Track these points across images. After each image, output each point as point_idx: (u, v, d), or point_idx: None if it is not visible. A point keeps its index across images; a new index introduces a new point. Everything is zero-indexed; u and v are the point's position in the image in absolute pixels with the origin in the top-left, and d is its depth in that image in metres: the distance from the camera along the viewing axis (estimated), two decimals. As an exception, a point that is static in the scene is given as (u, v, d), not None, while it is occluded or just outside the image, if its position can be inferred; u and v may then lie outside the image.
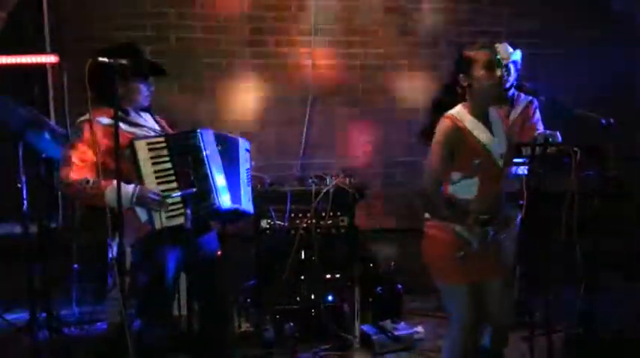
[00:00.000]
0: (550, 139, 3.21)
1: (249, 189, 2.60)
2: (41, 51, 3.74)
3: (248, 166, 2.63)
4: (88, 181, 2.19)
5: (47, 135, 2.93)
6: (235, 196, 2.48)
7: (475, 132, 2.22)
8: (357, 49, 4.24)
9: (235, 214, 2.53)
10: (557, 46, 4.38)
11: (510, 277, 2.36)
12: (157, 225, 2.24)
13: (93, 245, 3.52)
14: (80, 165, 2.22)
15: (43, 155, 3.05)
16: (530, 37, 4.27)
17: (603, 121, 2.95)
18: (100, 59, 1.99)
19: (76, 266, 3.06)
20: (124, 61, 2.05)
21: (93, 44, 3.77)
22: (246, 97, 4.12)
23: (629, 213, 3.79)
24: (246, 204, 2.55)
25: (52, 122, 3.35)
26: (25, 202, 2.95)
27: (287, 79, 4.16)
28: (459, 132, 2.20)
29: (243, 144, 2.61)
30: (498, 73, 2.22)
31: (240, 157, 2.57)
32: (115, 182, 2.13)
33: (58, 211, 3.88)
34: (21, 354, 3.05)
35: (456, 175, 2.25)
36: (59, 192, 3.83)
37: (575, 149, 2.91)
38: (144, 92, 2.42)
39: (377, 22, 4.25)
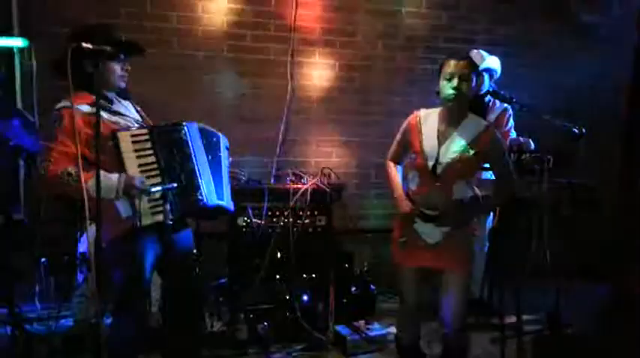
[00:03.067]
0: (524, 147, 3.33)
1: (229, 186, 2.57)
2: (9, 33, 3.57)
3: (227, 163, 2.59)
4: (70, 173, 2.10)
5: (16, 122, 2.79)
6: (220, 193, 2.44)
7: (423, 133, 2.42)
8: (335, 49, 4.24)
9: (217, 211, 2.48)
10: (532, 53, 4.51)
11: (462, 276, 2.46)
12: (142, 221, 2.16)
13: (58, 238, 3.39)
14: (60, 157, 2.12)
15: (11, 143, 2.91)
16: (506, 45, 4.38)
17: (575, 130, 3.05)
18: (85, 45, 1.90)
19: (43, 260, 2.93)
20: (108, 48, 1.97)
21: (64, 28, 3.64)
22: (222, 92, 4.05)
23: (595, 219, 3.95)
24: (229, 202, 2.51)
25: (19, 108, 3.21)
26: (-9, 192, 2.80)
27: (265, 74, 4.11)
28: (410, 126, 2.48)
29: (223, 141, 2.58)
30: (454, 83, 2.31)
31: (222, 154, 2.54)
32: (101, 172, 2.04)
33: (19, 202, 3.72)
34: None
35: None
36: (21, 182, 3.68)
37: (549, 156, 3.02)
38: (117, 72, 2.31)
39: (356, 22, 4.26)
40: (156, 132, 2.28)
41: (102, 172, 2.02)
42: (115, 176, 2.14)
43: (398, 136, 2.57)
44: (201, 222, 3.19)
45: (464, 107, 2.40)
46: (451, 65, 2.32)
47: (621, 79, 4.76)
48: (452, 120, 2.40)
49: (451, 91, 2.32)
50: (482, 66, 3.50)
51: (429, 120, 2.44)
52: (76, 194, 2.11)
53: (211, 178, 2.39)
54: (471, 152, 2.35)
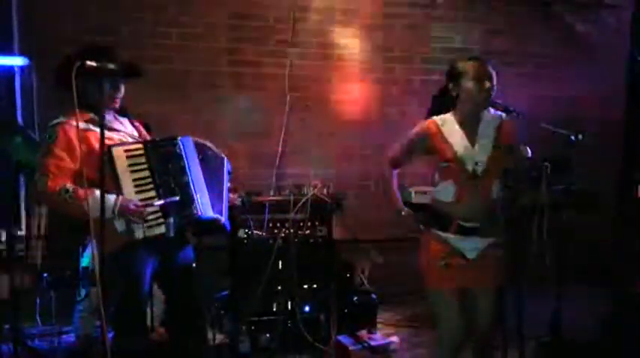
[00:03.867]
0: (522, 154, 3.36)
1: (227, 205, 2.54)
2: (9, 52, 3.62)
3: (228, 186, 2.58)
4: (67, 190, 2.10)
5: (18, 139, 2.82)
6: (216, 206, 2.45)
7: (450, 138, 2.28)
8: (333, 62, 4.29)
9: (213, 224, 2.47)
10: (528, 63, 4.57)
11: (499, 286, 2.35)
12: (138, 235, 2.18)
13: (59, 254, 3.40)
14: (57, 173, 2.13)
15: (13, 159, 2.93)
16: (501, 55, 4.44)
17: (572, 137, 3.08)
18: (89, 63, 1.93)
19: (45, 275, 2.94)
20: (112, 66, 2.00)
21: (65, 47, 3.68)
22: (222, 106, 4.09)
23: (594, 224, 3.97)
24: (225, 217, 2.50)
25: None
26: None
27: (264, 88, 4.15)
28: (431, 136, 2.29)
29: (226, 164, 2.58)
30: (487, 84, 2.29)
31: (221, 172, 2.54)
32: (96, 191, 2.06)
33: (20, 217, 3.74)
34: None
35: (436, 178, 2.36)
36: (21, 197, 3.70)
37: (546, 163, 3.05)
38: (108, 92, 2.27)
39: (353, 35, 4.31)
40: (150, 146, 2.28)
41: (98, 192, 2.02)
42: (112, 197, 2.14)
43: (407, 142, 2.38)
44: (202, 238, 3.21)
45: (481, 110, 2.35)
46: (479, 66, 2.28)
47: (615, 87, 4.81)
48: (472, 121, 2.33)
49: (484, 94, 2.28)
50: None
51: (448, 125, 2.31)
52: (72, 211, 2.12)
53: (206, 192, 2.38)
54: (501, 147, 2.33)
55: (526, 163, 2.46)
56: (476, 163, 2.27)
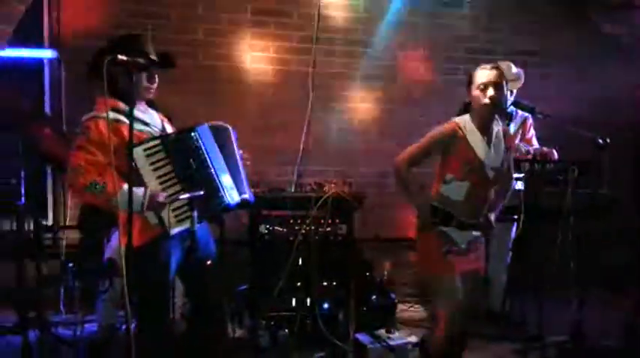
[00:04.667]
0: (548, 156, 3.32)
1: (246, 176, 2.54)
2: (39, 45, 3.69)
3: (240, 153, 2.55)
4: (96, 185, 2.13)
5: (47, 130, 2.87)
6: (240, 187, 2.45)
7: (472, 142, 2.40)
8: (356, 60, 4.28)
9: (240, 205, 2.47)
10: (553, 64, 4.50)
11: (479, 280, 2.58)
12: (168, 230, 2.20)
13: (85, 244, 3.46)
14: (88, 168, 2.16)
15: (42, 150, 2.99)
16: (527, 55, 4.38)
17: (600, 140, 3.03)
18: (120, 57, 1.95)
19: (70, 265, 3.00)
20: (141, 60, 2.02)
21: (92, 40, 3.74)
22: (244, 102, 4.11)
23: (619, 230, 3.90)
24: (248, 192, 2.52)
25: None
26: (22, 198, 2.87)
27: (287, 84, 4.17)
28: (455, 138, 2.39)
29: (232, 134, 2.54)
30: (490, 92, 2.34)
31: (234, 147, 2.51)
32: (124, 186, 2.09)
33: (47, 207, 3.82)
34: (11, 355, 2.96)
35: (448, 176, 2.43)
36: (49, 188, 3.77)
37: (573, 166, 3.00)
38: (144, 84, 2.32)
39: (378, 34, 4.29)
40: (168, 141, 2.26)
41: (126, 186, 2.04)
42: (140, 190, 2.16)
43: (429, 141, 2.45)
44: (224, 229, 3.24)
45: (489, 116, 2.43)
46: (485, 75, 2.36)
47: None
48: (486, 126, 2.44)
49: (487, 101, 2.35)
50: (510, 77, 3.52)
51: (469, 129, 2.41)
52: (102, 204, 2.17)
53: (229, 176, 2.39)
54: (508, 153, 2.51)
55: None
56: (491, 168, 2.43)
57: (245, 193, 2.47)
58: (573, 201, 2.92)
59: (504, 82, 2.39)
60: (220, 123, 2.50)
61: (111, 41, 2.25)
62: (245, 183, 2.51)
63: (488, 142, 2.43)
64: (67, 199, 3.70)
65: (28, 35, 3.71)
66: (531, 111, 3.20)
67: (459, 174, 2.40)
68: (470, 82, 2.41)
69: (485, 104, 2.35)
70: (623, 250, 4.27)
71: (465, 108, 2.48)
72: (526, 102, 3.24)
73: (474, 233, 2.48)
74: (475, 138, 2.40)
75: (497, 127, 2.48)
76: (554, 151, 3.37)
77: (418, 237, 2.55)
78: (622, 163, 4.07)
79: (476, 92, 2.37)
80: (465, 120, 2.43)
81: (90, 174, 2.15)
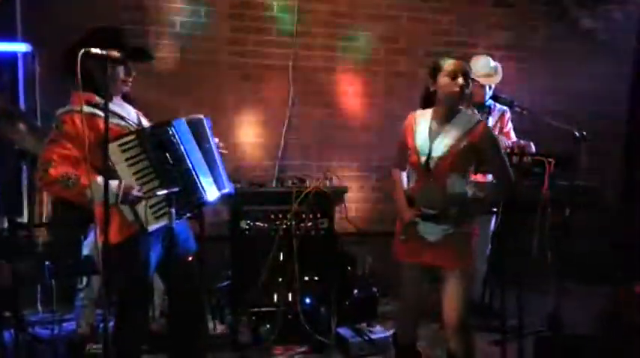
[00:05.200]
0: (525, 149, 3.35)
1: (224, 167, 2.52)
2: (12, 39, 3.60)
3: (216, 142, 2.52)
4: (69, 177, 2.09)
5: (22, 126, 2.81)
6: (219, 182, 2.44)
7: (416, 130, 2.47)
8: (337, 53, 4.27)
9: (221, 199, 2.48)
10: (531, 58, 4.54)
11: (461, 275, 2.47)
12: (146, 226, 2.17)
13: (61, 242, 3.40)
14: (60, 161, 2.12)
15: (16, 146, 2.92)
16: (504, 49, 4.42)
17: (576, 133, 3.07)
18: (93, 50, 1.91)
19: (47, 263, 2.94)
20: (116, 53, 1.98)
21: (68, 33, 3.65)
22: (224, 97, 4.07)
23: (596, 222, 3.96)
24: (228, 185, 2.50)
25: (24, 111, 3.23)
26: (-2, 196, 2.81)
27: (266, 79, 4.14)
28: (405, 126, 2.53)
29: (206, 123, 2.50)
30: (460, 81, 2.36)
31: (210, 138, 2.48)
32: (98, 178, 2.06)
33: (22, 205, 3.73)
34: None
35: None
36: (24, 185, 3.69)
37: (550, 159, 3.04)
38: (121, 77, 2.29)
39: (358, 28, 4.29)
40: (144, 135, 2.22)
41: (100, 177, 2.03)
42: (114, 183, 2.12)
43: (399, 140, 2.60)
44: (204, 225, 3.22)
45: (456, 105, 2.43)
46: (454, 63, 2.37)
47: (621, 82, 4.79)
48: (445, 116, 2.44)
49: (457, 89, 2.36)
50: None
51: (422, 118, 2.49)
52: (75, 198, 2.12)
53: (208, 171, 2.37)
54: (462, 144, 2.38)
55: (509, 174, 2.53)
56: (429, 156, 2.40)
57: (224, 187, 2.46)
58: (551, 193, 2.96)
59: (470, 72, 2.42)
60: (195, 115, 2.46)
61: (86, 33, 2.21)
62: (224, 176, 2.49)
63: (437, 131, 2.42)
64: (43, 196, 3.63)
65: (0, 28, 3.62)
66: (509, 104, 3.24)
67: (404, 161, 2.58)
68: (437, 69, 2.41)
69: (454, 92, 2.36)
70: (602, 241, 4.36)
71: (428, 98, 2.51)
72: (504, 96, 3.28)
73: (441, 227, 2.43)
74: (421, 127, 2.47)
75: (466, 120, 2.43)
76: (532, 144, 3.41)
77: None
78: (601, 155, 4.14)
79: (445, 79, 2.37)
80: (423, 112, 2.51)
81: (62, 167, 2.11)
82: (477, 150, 2.41)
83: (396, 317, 2.78)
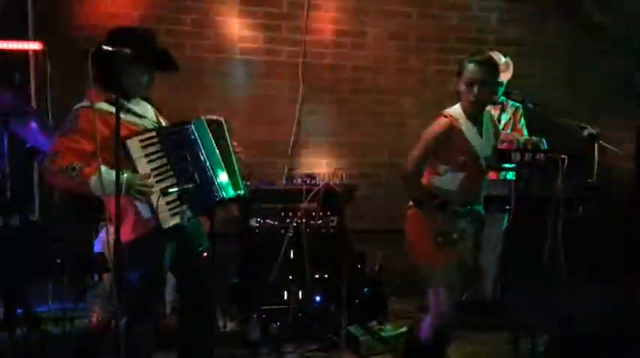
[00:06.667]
0: (538, 146, 3.32)
1: (241, 169, 2.51)
2: (24, 37, 3.62)
3: (234, 143, 2.52)
4: (74, 168, 2.08)
5: (33, 125, 2.82)
6: (235, 182, 2.43)
7: (467, 133, 2.42)
8: (347, 50, 4.25)
9: (234, 200, 2.48)
10: (544, 54, 4.50)
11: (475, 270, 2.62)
12: (162, 224, 2.17)
13: (73, 238, 3.42)
14: (67, 153, 2.12)
15: (28, 145, 2.94)
16: (517, 45, 4.37)
17: (589, 130, 3.03)
18: (104, 47, 1.91)
19: (59, 260, 2.96)
20: (127, 50, 1.98)
21: (78, 32, 3.68)
22: (234, 94, 4.07)
23: (609, 220, 3.91)
24: (244, 188, 2.49)
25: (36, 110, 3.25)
26: (9, 193, 2.83)
27: (277, 76, 4.13)
28: (452, 131, 2.40)
29: (225, 125, 2.49)
30: (475, 90, 2.36)
31: (228, 138, 2.47)
32: (102, 167, 2.05)
33: (34, 202, 3.76)
34: (-2, 351, 2.93)
35: (442, 168, 2.45)
36: (35, 182, 3.71)
37: (563, 156, 3.01)
38: (137, 79, 2.28)
39: (368, 24, 4.27)
40: (164, 133, 2.26)
41: (104, 167, 2.03)
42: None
43: (429, 144, 2.45)
44: (214, 222, 3.21)
45: (481, 110, 2.49)
46: (472, 70, 2.36)
47: (634, 78, 4.72)
48: (477, 117, 2.47)
49: (472, 99, 2.38)
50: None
51: (460, 117, 2.44)
52: (78, 189, 2.13)
53: (225, 170, 2.37)
54: (497, 142, 2.57)
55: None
56: (485, 158, 2.46)
57: (240, 189, 2.44)
58: (563, 190, 2.93)
59: (494, 76, 2.42)
60: (215, 116, 2.47)
61: (111, 33, 2.20)
62: (240, 178, 2.48)
63: (480, 132, 2.47)
64: (54, 194, 3.65)
65: (12, 26, 3.64)
66: (522, 101, 3.21)
67: (454, 166, 2.43)
68: (459, 72, 2.41)
69: (471, 101, 2.38)
70: (614, 239, 4.31)
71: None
72: (517, 92, 3.24)
73: (463, 224, 2.47)
74: (469, 129, 2.43)
75: (488, 115, 2.52)
76: (544, 141, 3.37)
77: (413, 226, 2.55)
78: (614, 152, 4.09)
79: (462, 87, 2.38)
80: (456, 112, 2.45)
81: (68, 158, 2.11)
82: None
83: (435, 320, 2.55)
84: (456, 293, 2.56)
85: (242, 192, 2.45)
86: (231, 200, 2.44)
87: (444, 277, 2.48)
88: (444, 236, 2.42)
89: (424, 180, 2.53)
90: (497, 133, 2.62)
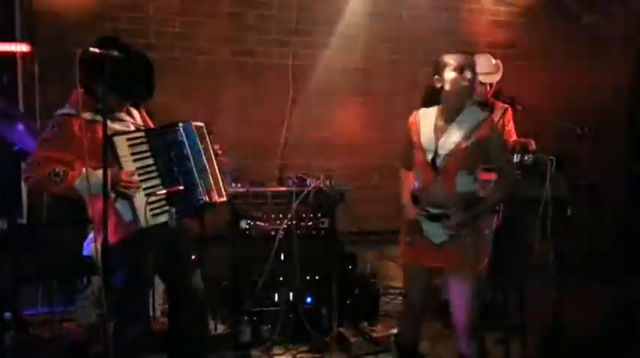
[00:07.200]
0: (526, 147, 3.34)
1: (223, 173, 2.54)
2: (11, 39, 3.58)
3: (216, 146, 2.53)
4: (57, 174, 2.11)
5: (20, 127, 2.80)
6: (218, 188, 2.44)
7: (421, 129, 2.42)
8: (336, 52, 4.25)
9: (214, 205, 2.46)
10: (532, 56, 4.53)
11: (468, 278, 2.40)
12: (142, 224, 2.17)
13: (62, 242, 3.39)
14: (49, 161, 2.14)
15: (15, 147, 2.92)
16: (505, 47, 4.40)
17: (578, 131, 3.06)
18: (92, 49, 1.91)
19: (48, 264, 2.94)
20: (115, 53, 1.97)
21: (66, 34, 3.65)
22: (224, 96, 4.06)
23: (598, 219, 3.95)
24: (225, 192, 2.50)
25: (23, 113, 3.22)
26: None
27: (266, 78, 4.12)
28: (409, 125, 2.48)
29: (208, 129, 2.51)
30: (468, 74, 2.32)
31: (210, 143, 2.48)
32: (83, 170, 2.06)
33: (22, 206, 3.73)
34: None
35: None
36: (23, 186, 3.68)
37: (551, 157, 3.03)
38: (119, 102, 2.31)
39: (357, 26, 4.27)
40: (152, 134, 2.28)
41: (89, 169, 2.02)
42: (99, 172, 2.10)
43: (404, 138, 2.54)
44: (204, 225, 3.20)
45: (464, 100, 2.38)
46: (460, 57, 2.33)
47: (622, 78, 4.77)
48: (451, 113, 2.38)
49: (465, 83, 2.31)
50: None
51: (426, 116, 2.44)
52: (63, 193, 2.15)
53: (210, 175, 2.39)
54: (470, 140, 2.32)
55: (513, 173, 2.54)
56: (436, 154, 2.34)
57: (223, 196, 2.45)
58: (552, 190, 2.95)
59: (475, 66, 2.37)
60: (199, 122, 2.47)
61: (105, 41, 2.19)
62: (223, 183, 2.49)
63: (443, 129, 2.36)
64: (42, 197, 3.62)
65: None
66: (511, 102, 3.23)
67: (410, 161, 2.48)
68: (442, 66, 2.35)
69: (463, 86, 2.31)
70: (604, 238, 4.34)
71: (430, 97, 2.45)
72: (505, 94, 3.26)
73: (427, 226, 2.39)
74: (426, 124, 2.41)
75: (473, 116, 2.37)
76: (533, 142, 3.39)
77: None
78: (604, 152, 4.12)
79: (452, 74, 2.31)
80: (426, 110, 2.46)
81: (50, 166, 2.12)
82: (485, 146, 2.34)
83: (400, 319, 2.72)
84: (414, 300, 2.54)
85: (225, 198, 2.45)
86: (213, 205, 2.43)
87: (407, 281, 2.56)
88: (410, 235, 2.44)
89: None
90: (475, 137, 2.33)
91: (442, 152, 2.34)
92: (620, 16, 4.79)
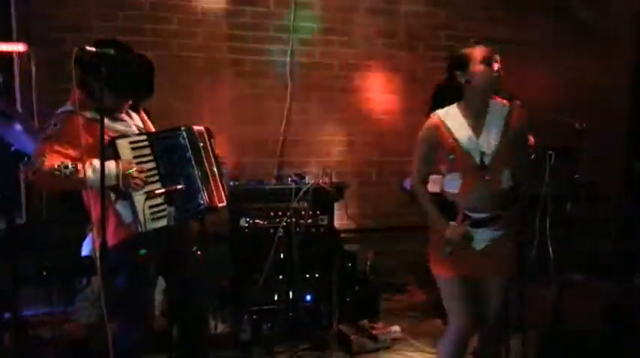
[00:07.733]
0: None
1: (224, 181, 2.55)
2: (8, 39, 3.57)
3: (217, 153, 2.55)
4: (67, 166, 2.07)
5: (18, 127, 2.78)
6: (219, 193, 2.44)
7: (454, 130, 2.22)
8: (334, 48, 4.24)
9: (215, 210, 2.47)
10: (529, 51, 4.52)
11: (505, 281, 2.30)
12: (142, 227, 2.17)
13: (61, 242, 3.38)
14: (55, 155, 2.12)
15: (13, 148, 2.90)
16: (503, 43, 4.38)
17: (577, 125, 3.06)
18: (87, 48, 1.90)
19: (47, 264, 2.93)
20: (111, 51, 1.96)
21: (63, 33, 3.64)
22: (222, 93, 4.05)
23: (597, 215, 3.95)
24: (225, 197, 2.51)
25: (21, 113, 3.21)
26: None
27: (265, 75, 4.11)
28: (435, 129, 2.25)
29: (206, 135, 2.51)
30: (495, 66, 2.22)
31: (210, 149, 2.49)
32: (94, 161, 2.06)
33: (21, 206, 3.72)
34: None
35: (443, 169, 2.29)
36: (22, 186, 3.67)
37: (550, 152, 3.02)
38: (117, 103, 2.31)
39: (356, 22, 4.26)
40: (154, 137, 2.30)
41: (98, 161, 2.01)
42: (112, 163, 2.13)
43: (420, 151, 2.32)
44: (204, 223, 3.20)
45: (492, 94, 2.29)
46: (485, 49, 2.23)
47: (620, 73, 4.77)
48: (478, 109, 2.26)
49: (496, 74, 2.21)
50: None
51: (451, 117, 2.26)
52: (71, 186, 2.13)
53: (211, 179, 2.40)
54: (509, 134, 2.24)
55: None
56: (482, 153, 2.20)
57: (224, 201, 2.47)
58: (551, 186, 2.95)
59: None
60: (201, 127, 2.49)
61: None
62: (224, 188, 2.50)
63: (477, 127, 2.22)
64: (42, 197, 3.61)
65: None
66: (509, 98, 3.21)
67: (446, 165, 2.26)
68: (467, 60, 2.22)
69: (494, 77, 2.20)
70: (603, 234, 4.35)
71: (443, 94, 2.32)
72: (504, 89, 3.25)
73: (494, 232, 2.22)
74: (457, 125, 2.23)
75: (501, 109, 2.30)
76: (531, 137, 3.39)
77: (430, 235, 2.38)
78: (602, 149, 4.12)
79: (480, 67, 2.19)
80: (446, 111, 2.27)
81: (57, 159, 2.10)
82: (519, 137, 2.28)
83: (448, 347, 2.36)
84: (469, 311, 2.26)
85: (225, 203, 2.47)
86: (214, 209, 2.43)
87: (450, 297, 2.28)
88: (449, 246, 2.22)
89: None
90: (511, 130, 2.26)
91: (488, 151, 2.20)
92: (618, 11, 4.77)
